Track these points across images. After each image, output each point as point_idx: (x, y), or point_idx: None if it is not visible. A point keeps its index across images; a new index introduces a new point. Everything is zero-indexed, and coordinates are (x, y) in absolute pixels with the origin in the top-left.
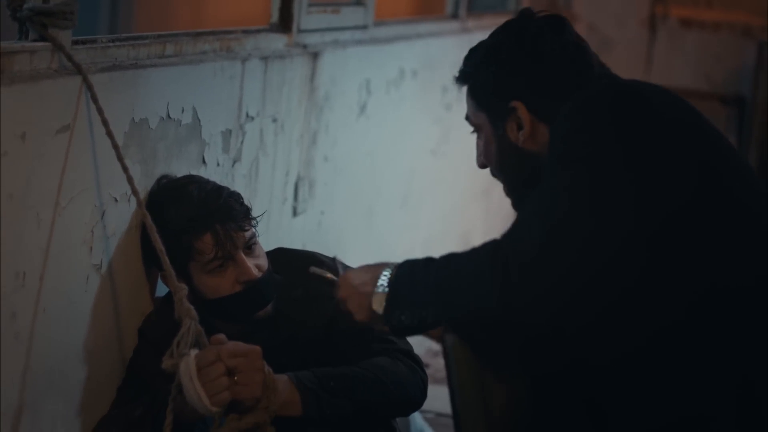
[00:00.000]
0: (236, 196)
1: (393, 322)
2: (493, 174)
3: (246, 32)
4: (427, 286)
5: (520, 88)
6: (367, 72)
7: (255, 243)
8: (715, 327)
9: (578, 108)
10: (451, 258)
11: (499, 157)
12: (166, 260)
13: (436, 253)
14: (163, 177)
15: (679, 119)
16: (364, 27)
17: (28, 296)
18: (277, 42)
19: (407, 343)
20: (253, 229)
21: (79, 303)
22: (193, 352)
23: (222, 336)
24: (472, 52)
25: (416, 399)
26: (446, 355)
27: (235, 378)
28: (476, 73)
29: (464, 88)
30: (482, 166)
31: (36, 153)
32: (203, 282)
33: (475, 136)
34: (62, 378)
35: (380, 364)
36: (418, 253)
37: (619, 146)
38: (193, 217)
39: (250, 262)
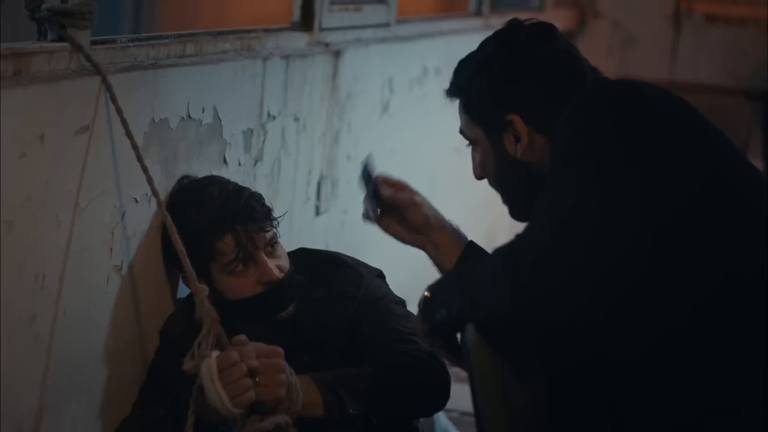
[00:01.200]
0: (257, 197)
1: (429, 320)
2: (492, 185)
3: (267, 31)
4: (455, 285)
5: (515, 101)
6: (389, 70)
7: (276, 243)
8: (729, 318)
9: (579, 109)
10: (479, 259)
11: (498, 169)
12: (186, 261)
13: None
14: (184, 177)
15: (677, 116)
16: (387, 25)
17: (47, 298)
18: (299, 40)
19: None
20: (275, 230)
21: (99, 304)
22: (215, 353)
23: (243, 337)
24: (462, 65)
25: (439, 399)
26: (467, 354)
27: (257, 379)
28: (468, 87)
29: (456, 102)
30: (480, 177)
31: (55, 154)
32: (224, 283)
33: (470, 148)
34: (83, 379)
35: (402, 365)
36: None
37: (623, 143)
38: (213, 219)
39: (271, 263)
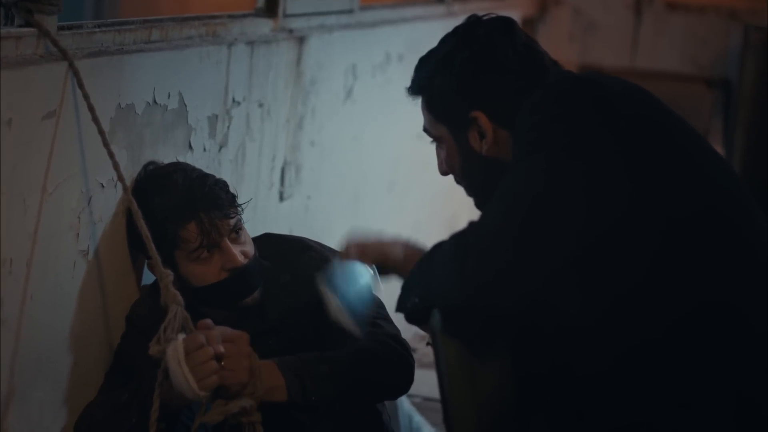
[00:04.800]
0: (221, 184)
1: (402, 308)
2: (457, 181)
3: (232, 17)
4: (419, 272)
5: (478, 97)
6: (353, 56)
7: (240, 229)
8: (690, 341)
9: (534, 105)
10: (438, 245)
11: (463, 166)
12: (152, 247)
13: (421, 238)
14: (150, 164)
15: (638, 114)
16: (350, 11)
17: (15, 283)
18: (263, 27)
19: (395, 327)
20: (239, 216)
21: (66, 289)
22: (181, 336)
23: (209, 321)
24: (423, 62)
25: (403, 383)
26: (434, 339)
27: (222, 363)
28: (431, 85)
29: (418, 100)
30: (444, 174)
31: (22, 139)
32: (189, 270)
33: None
34: (50, 364)
35: (366, 348)
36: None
37: (569, 138)
38: (177, 206)
39: (235, 249)
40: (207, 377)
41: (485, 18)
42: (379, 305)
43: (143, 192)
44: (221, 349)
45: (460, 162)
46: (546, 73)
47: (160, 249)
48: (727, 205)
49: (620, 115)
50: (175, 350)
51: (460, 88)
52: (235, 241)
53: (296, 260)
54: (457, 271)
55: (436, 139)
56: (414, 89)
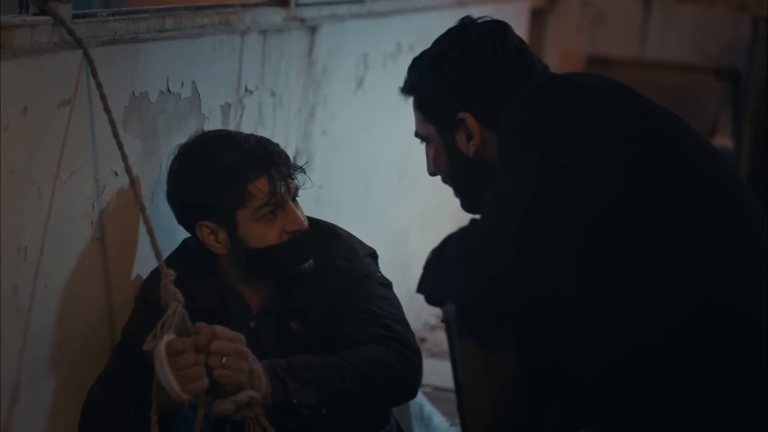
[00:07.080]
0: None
1: (420, 290)
2: (444, 181)
3: (244, 6)
4: (428, 267)
5: (466, 99)
6: (364, 46)
7: (297, 198)
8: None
9: (522, 103)
10: (447, 240)
11: (450, 166)
12: (154, 240)
13: (431, 227)
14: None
15: (619, 109)
16: (362, 1)
17: (29, 270)
18: (276, 16)
19: (409, 330)
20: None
21: (79, 277)
22: (167, 337)
23: (204, 324)
24: (416, 62)
25: (404, 390)
26: (448, 327)
27: (224, 361)
28: (421, 85)
29: (410, 100)
30: (433, 174)
31: (37, 127)
32: (251, 230)
33: (424, 145)
34: (62, 351)
35: (366, 354)
36: (414, 228)
37: (563, 135)
38: (249, 159)
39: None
40: (192, 382)
41: (479, 21)
42: (395, 306)
43: (204, 150)
44: (220, 346)
45: (447, 162)
46: (534, 76)
47: (222, 209)
48: (723, 204)
49: (610, 112)
50: (158, 352)
51: (450, 88)
52: (296, 206)
53: (325, 246)
54: (461, 272)
55: (425, 139)
56: (406, 89)
